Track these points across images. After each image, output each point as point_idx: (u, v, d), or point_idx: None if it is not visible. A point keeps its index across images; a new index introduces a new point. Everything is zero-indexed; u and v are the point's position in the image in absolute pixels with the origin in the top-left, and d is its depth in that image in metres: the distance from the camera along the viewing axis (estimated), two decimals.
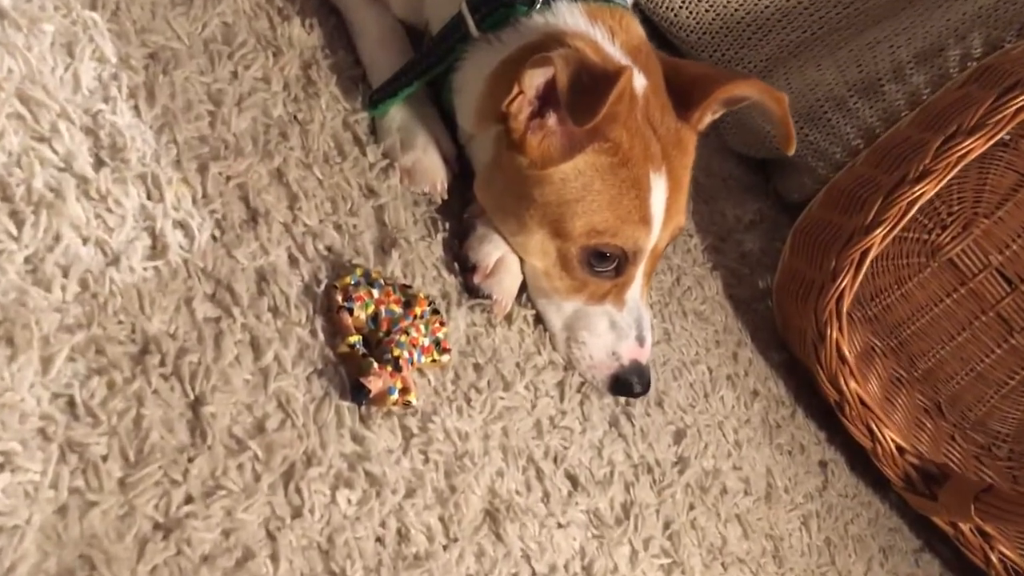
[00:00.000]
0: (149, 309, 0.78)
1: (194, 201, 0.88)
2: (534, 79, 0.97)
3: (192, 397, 0.77)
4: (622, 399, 1.16)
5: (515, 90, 0.98)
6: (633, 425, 1.16)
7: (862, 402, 1.35)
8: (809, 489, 1.38)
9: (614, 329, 1.10)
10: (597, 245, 1.05)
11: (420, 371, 0.96)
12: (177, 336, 0.79)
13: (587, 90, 0.91)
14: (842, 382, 1.36)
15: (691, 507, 1.15)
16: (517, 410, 1.03)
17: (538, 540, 0.94)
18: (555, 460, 1.03)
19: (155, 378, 0.75)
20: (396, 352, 0.90)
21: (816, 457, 1.45)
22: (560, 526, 0.98)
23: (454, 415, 0.96)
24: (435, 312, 0.97)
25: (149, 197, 0.84)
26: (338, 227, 0.99)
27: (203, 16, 1.00)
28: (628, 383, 1.11)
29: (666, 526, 1.10)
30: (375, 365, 0.88)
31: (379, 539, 0.82)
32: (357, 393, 0.86)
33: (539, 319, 1.13)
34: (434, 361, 0.96)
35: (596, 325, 1.10)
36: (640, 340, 1.11)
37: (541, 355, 1.11)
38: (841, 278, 1.32)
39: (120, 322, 0.76)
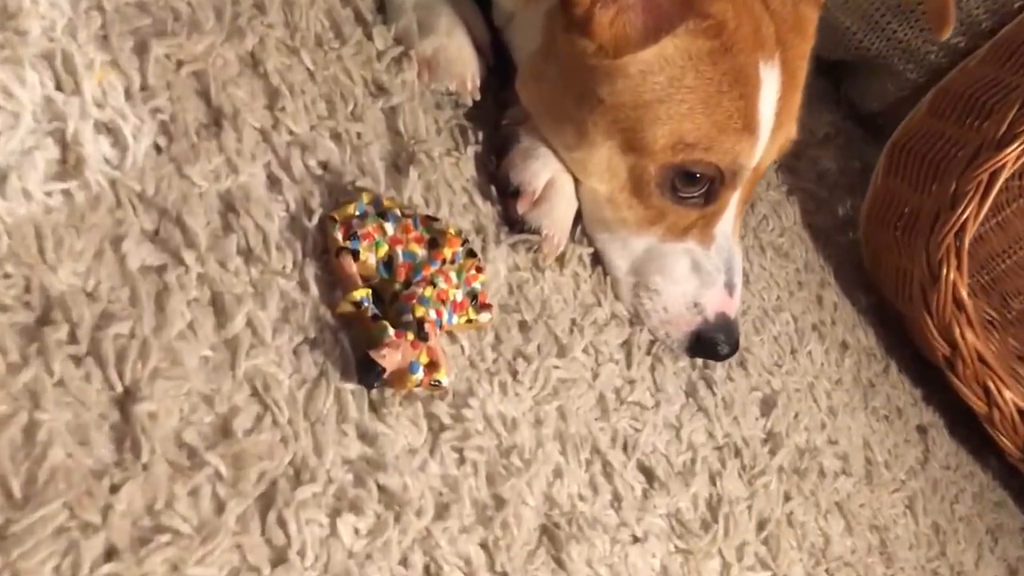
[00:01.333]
0: (53, 255, 0.52)
1: (128, 95, 0.60)
2: None
3: (119, 390, 0.51)
4: (699, 361, 0.91)
5: None
6: (714, 394, 0.91)
7: (981, 358, 1.10)
8: (910, 462, 1.14)
9: (697, 273, 0.84)
10: (684, 162, 0.78)
11: (450, 335, 0.70)
12: (97, 296, 0.53)
13: None
14: (957, 334, 1.11)
15: (787, 498, 0.91)
16: (576, 383, 0.77)
17: (609, 563, 0.70)
18: (625, 448, 0.78)
19: (60, 362, 0.49)
20: (419, 312, 0.64)
21: (914, 421, 1.20)
22: (636, 540, 0.73)
23: (496, 394, 0.70)
24: (470, 254, 0.71)
25: (58, 87, 0.57)
26: (336, 136, 0.72)
27: None
28: (712, 343, 0.85)
29: (760, 526, 0.85)
30: (390, 331, 0.62)
31: None
32: (366, 372, 0.60)
33: (598, 260, 0.87)
34: (469, 322, 0.70)
35: (674, 268, 0.84)
36: (729, 287, 0.86)
37: (602, 307, 0.85)
38: (963, 205, 1.05)
39: (6, 276, 0.50)
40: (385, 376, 0.61)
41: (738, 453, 0.89)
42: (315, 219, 0.66)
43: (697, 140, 0.77)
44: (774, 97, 0.78)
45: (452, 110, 0.84)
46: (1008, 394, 1.12)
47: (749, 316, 1.03)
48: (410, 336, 0.62)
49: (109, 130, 0.58)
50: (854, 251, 1.32)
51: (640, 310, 0.86)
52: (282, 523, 0.53)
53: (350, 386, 0.61)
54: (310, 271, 0.63)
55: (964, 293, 1.09)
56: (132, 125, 0.59)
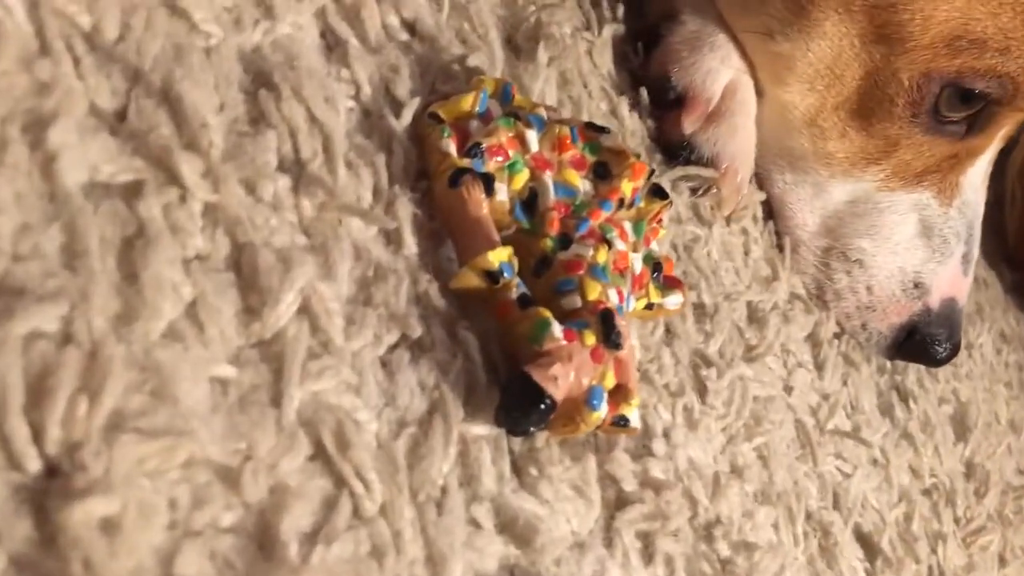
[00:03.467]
0: None
1: None
2: None
3: (33, 469, 0.22)
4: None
5: None
6: (909, 411, 0.64)
7: None
8: None
9: (928, 239, 0.57)
10: (963, 69, 0.50)
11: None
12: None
13: None
14: None
15: (1002, 561, 0.64)
16: (772, 402, 0.49)
17: None
18: (836, 501, 0.51)
19: None
20: (593, 291, 0.35)
21: None
22: None
23: (681, 430, 0.42)
24: (657, 192, 0.42)
25: None
26: None
27: None
28: (930, 341, 0.58)
29: None
30: (556, 329, 0.33)
31: None
32: (524, 407, 0.31)
33: (769, 209, 0.59)
34: (650, 307, 0.41)
35: (893, 229, 0.57)
36: (967, 262, 0.58)
37: (780, 280, 0.57)
38: None
39: None
40: (555, 414, 0.32)
41: (949, 500, 0.62)
42: (406, 117, 0.36)
43: (990, 34, 0.49)
44: None
45: None
46: None
47: None
48: (589, 340, 0.33)
49: None
50: (993, 214, 1.05)
51: (828, 289, 0.58)
52: None
53: (481, 430, 0.32)
54: (402, 208, 0.34)
55: None
56: None
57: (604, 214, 0.38)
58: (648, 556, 0.37)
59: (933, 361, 0.60)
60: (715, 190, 0.52)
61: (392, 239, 0.33)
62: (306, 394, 0.28)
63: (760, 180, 0.58)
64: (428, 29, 0.41)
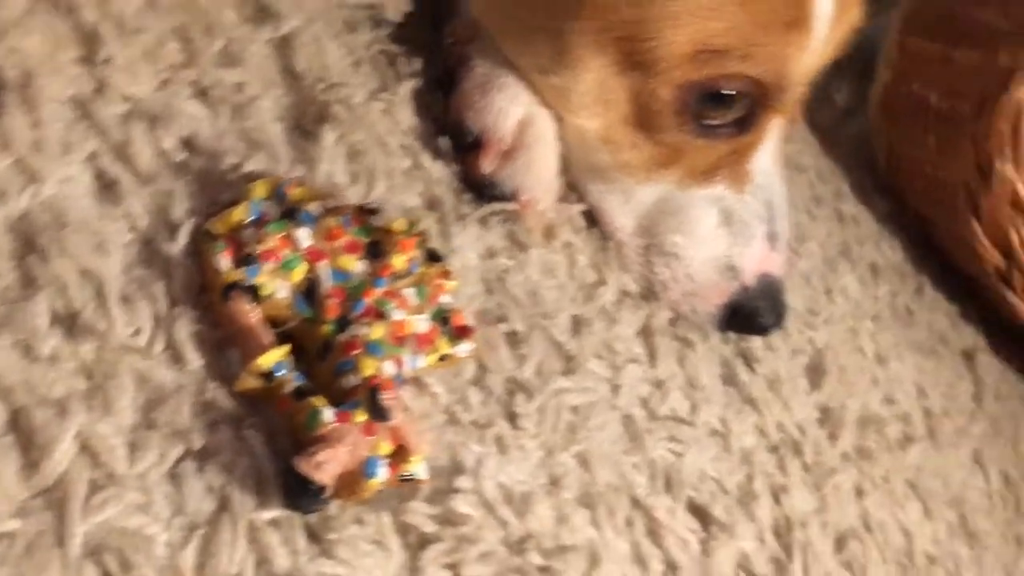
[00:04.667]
0: None
1: None
2: None
3: None
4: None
5: None
6: (754, 371, 0.69)
7: None
8: (965, 401, 0.95)
9: (729, 226, 0.62)
10: (711, 79, 0.55)
11: (415, 381, 0.46)
12: None
13: None
14: (1015, 240, 0.90)
15: (859, 493, 0.70)
16: (595, 407, 0.55)
17: None
18: (668, 482, 0.56)
19: None
20: (368, 367, 0.41)
21: (958, 347, 1.01)
22: None
23: (493, 458, 0.47)
24: (432, 257, 0.47)
25: None
26: (201, 93, 0.47)
27: None
28: (754, 314, 0.64)
29: (839, 545, 0.65)
30: (326, 415, 0.38)
31: None
32: (298, 496, 0.37)
33: (592, 218, 0.64)
34: (443, 359, 0.47)
35: (698, 222, 0.61)
36: (772, 238, 0.63)
37: (607, 284, 0.62)
38: None
39: None
40: (327, 494, 0.37)
41: (797, 450, 0.68)
42: (181, 238, 0.41)
43: (729, 45, 0.53)
44: None
45: (371, 31, 0.59)
46: None
47: None
48: (359, 418, 0.39)
49: None
50: (863, 148, 1.10)
51: (655, 281, 0.63)
52: None
53: (271, 514, 0.37)
54: (182, 329, 0.39)
55: (1023, 191, 0.88)
56: None
57: (378, 291, 0.43)
58: None
59: (760, 331, 0.65)
60: (522, 220, 0.57)
61: (175, 359, 0.38)
62: (91, 527, 0.33)
63: (579, 192, 0.63)
64: (206, 142, 0.45)
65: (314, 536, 0.39)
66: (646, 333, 0.63)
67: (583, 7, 0.54)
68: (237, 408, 0.39)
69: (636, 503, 0.53)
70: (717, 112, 0.57)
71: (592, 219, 0.64)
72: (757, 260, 0.63)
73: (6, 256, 0.36)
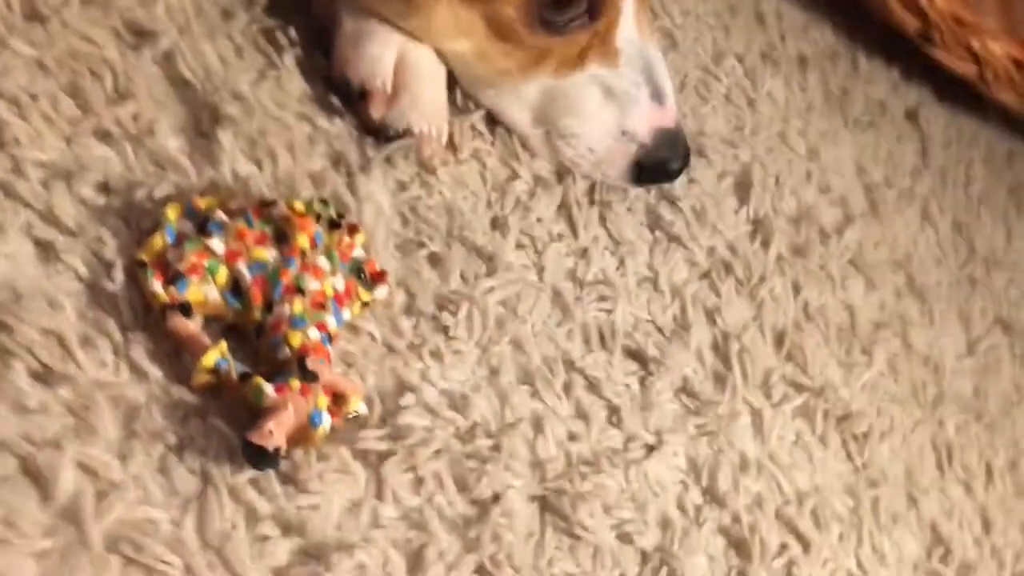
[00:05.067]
0: None
1: None
2: None
3: None
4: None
5: None
6: (680, 210, 0.76)
7: (958, 20, 0.94)
8: (911, 160, 1.00)
9: (612, 98, 0.68)
10: None
11: (350, 327, 0.55)
12: None
13: None
14: (924, 2, 0.94)
15: (796, 289, 0.78)
16: (520, 296, 0.63)
17: (630, 495, 0.59)
18: (603, 341, 0.65)
19: None
20: (295, 340, 0.50)
21: (900, 110, 1.06)
22: (651, 449, 0.62)
23: (433, 370, 0.57)
24: (332, 225, 0.55)
25: None
26: (104, 135, 0.54)
27: None
28: (659, 164, 0.70)
29: (778, 342, 0.73)
30: (267, 390, 0.47)
31: None
32: (259, 460, 0.47)
33: (494, 121, 0.70)
34: (365, 305, 0.55)
35: (583, 103, 0.67)
36: (658, 96, 0.69)
37: (520, 177, 0.69)
38: None
39: None
40: (284, 452, 0.47)
41: (729, 268, 0.75)
42: (118, 275, 0.50)
43: None
44: None
45: (245, 12, 0.65)
46: (996, 48, 0.96)
47: (688, 84, 0.87)
48: (295, 384, 0.48)
49: None
50: None
51: (564, 160, 0.70)
52: None
53: (247, 475, 0.48)
54: (138, 350, 0.48)
55: None
56: None
57: (292, 270, 0.52)
58: (418, 481, 0.52)
59: (670, 176, 0.72)
60: (422, 152, 0.64)
61: (139, 377, 0.48)
62: (105, 526, 0.43)
63: (472, 98, 0.69)
64: (119, 181, 0.53)
65: (288, 479, 0.49)
66: (565, 209, 0.70)
67: None
68: (199, 401, 0.48)
69: (572, 366, 0.62)
70: (562, 11, 0.62)
71: (494, 121, 0.70)
72: (647, 119, 0.69)
73: None
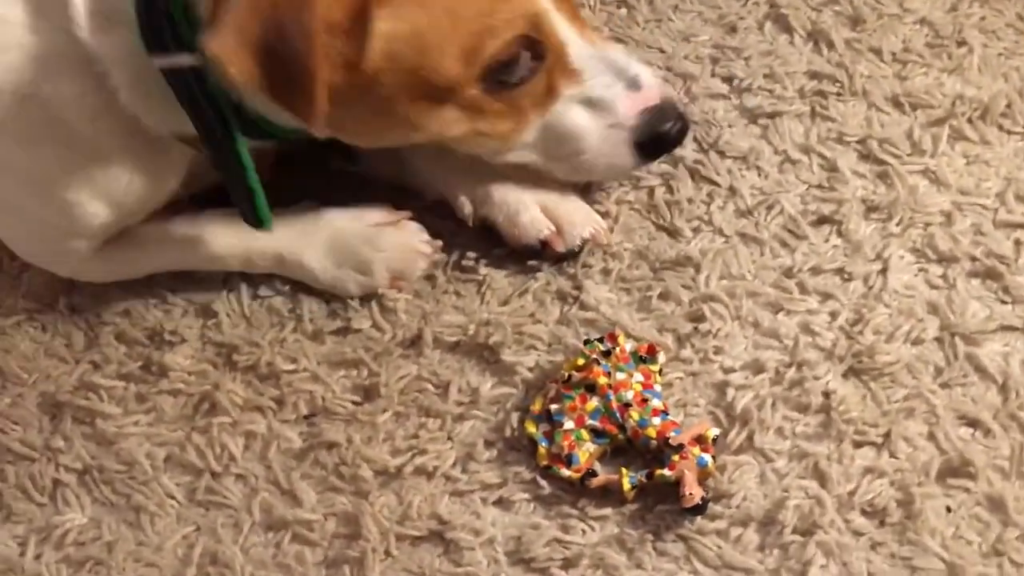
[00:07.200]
0: None
1: None
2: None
3: None
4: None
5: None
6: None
7: None
8: None
9: (594, 107, 0.79)
10: (488, 65, 0.72)
11: (668, 385, 0.80)
12: None
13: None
14: None
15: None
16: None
17: (896, 325, 0.80)
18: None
19: None
20: (651, 432, 0.74)
21: None
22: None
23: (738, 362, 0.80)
24: (606, 353, 0.79)
25: None
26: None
27: None
28: (657, 137, 0.81)
29: None
30: (667, 473, 0.73)
31: None
32: (697, 510, 0.72)
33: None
34: (660, 372, 0.79)
35: (571, 125, 0.79)
36: (632, 84, 0.79)
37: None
38: None
39: None
40: (707, 496, 0.72)
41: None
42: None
43: (477, 35, 0.70)
44: None
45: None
46: None
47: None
48: (675, 457, 0.73)
49: None
50: None
51: (583, 173, 0.84)
52: None
53: (697, 523, 0.73)
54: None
55: None
56: None
57: (612, 400, 0.75)
58: None
59: (672, 144, 0.83)
60: (596, 242, 0.86)
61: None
62: None
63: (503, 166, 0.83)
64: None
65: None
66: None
67: (388, 101, 0.71)
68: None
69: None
70: (513, 72, 0.74)
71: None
72: (631, 107, 0.79)
73: None
